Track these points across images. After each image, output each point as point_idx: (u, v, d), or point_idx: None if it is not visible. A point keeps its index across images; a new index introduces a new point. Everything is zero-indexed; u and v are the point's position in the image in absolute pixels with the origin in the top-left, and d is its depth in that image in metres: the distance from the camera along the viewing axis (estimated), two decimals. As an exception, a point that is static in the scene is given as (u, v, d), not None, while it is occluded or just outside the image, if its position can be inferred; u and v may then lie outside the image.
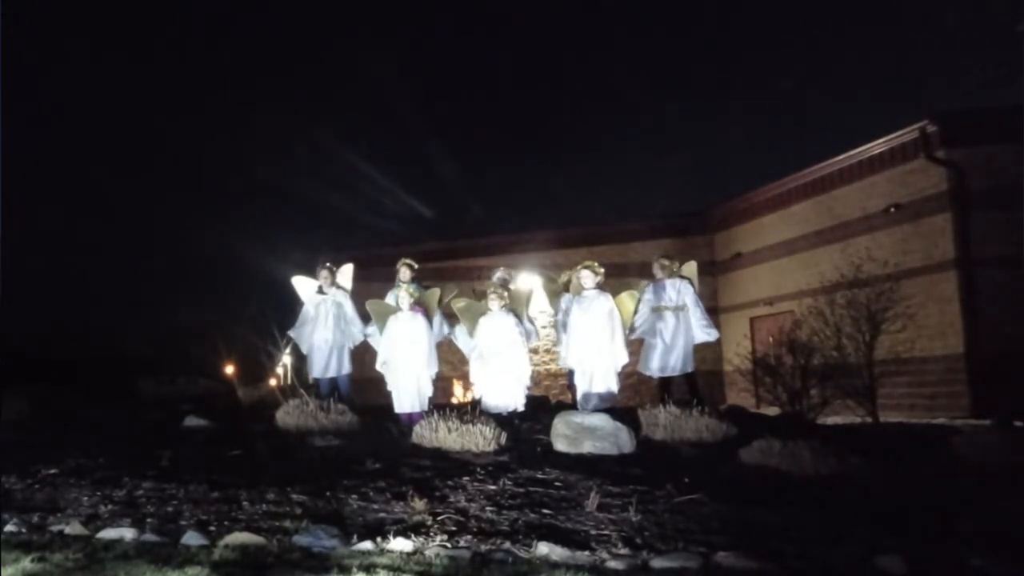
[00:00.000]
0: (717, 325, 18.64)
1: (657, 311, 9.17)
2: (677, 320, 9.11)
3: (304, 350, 9.88)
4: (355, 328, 9.66)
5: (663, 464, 6.43)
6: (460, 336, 9.56)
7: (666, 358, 9.14)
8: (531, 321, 9.38)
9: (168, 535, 4.57)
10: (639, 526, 4.79)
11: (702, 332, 9.20)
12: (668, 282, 9.23)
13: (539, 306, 10.32)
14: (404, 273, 9.47)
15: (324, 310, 9.63)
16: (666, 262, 9.37)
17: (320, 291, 9.72)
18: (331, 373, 9.59)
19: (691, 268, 9.58)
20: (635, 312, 9.13)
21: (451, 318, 9.65)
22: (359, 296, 9.85)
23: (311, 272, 10.16)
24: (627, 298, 9.11)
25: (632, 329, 9.18)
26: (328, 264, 10.06)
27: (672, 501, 5.30)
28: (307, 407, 7.83)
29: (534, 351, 9.17)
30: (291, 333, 10.06)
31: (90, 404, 9.95)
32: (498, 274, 9.77)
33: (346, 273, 9.97)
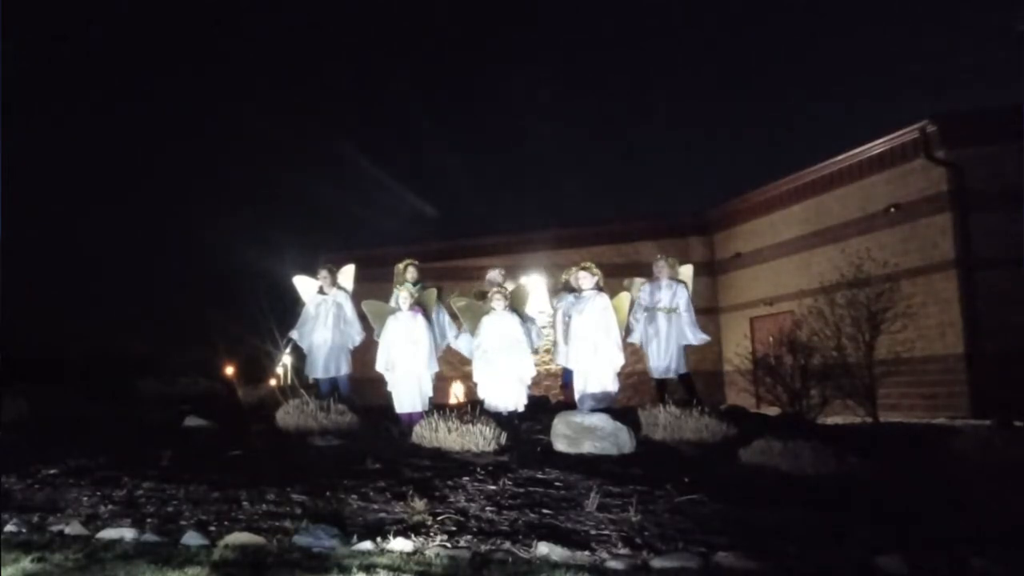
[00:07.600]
0: (717, 325, 19.00)
1: (650, 312, 9.21)
2: (669, 322, 9.16)
3: (306, 350, 9.89)
4: (355, 329, 9.66)
5: (663, 464, 6.43)
6: (462, 341, 9.42)
7: (661, 360, 9.20)
8: (532, 321, 9.37)
9: (168, 535, 4.56)
10: (639, 526, 4.79)
11: (693, 335, 9.25)
12: (664, 283, 9.27)
13: (538, 306, 10.32)
14: (411, 273, 9.46)
15: (324, 310, 9.64)
16: (672, 261, 9.43)
17: (321, 291, 9.73)
18: (331, 373, 9.60)
19: (687, 271, 9.63)
20: (629, 313, 9.17)
21: (455, 319, 9.62)
22: (360, 296, 9.85)
23: (312, 272, 10.17)
24: (624, 298, 9.13)
25: (628, 331, 9.23)
26: (329, 264, 10.08)
27: (672, 501, 5.29)
28: (307, 407, 7.83)
29: (534, 352, 9.11)
30: (292, 334, 10.06)
31: (90, 404, 9.94)
32: (490, 274, 9.74)
33: (347, 274, 9.98)
